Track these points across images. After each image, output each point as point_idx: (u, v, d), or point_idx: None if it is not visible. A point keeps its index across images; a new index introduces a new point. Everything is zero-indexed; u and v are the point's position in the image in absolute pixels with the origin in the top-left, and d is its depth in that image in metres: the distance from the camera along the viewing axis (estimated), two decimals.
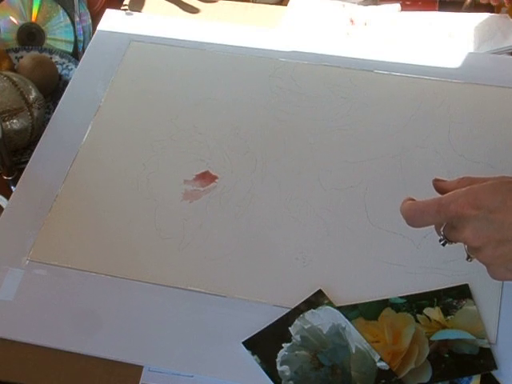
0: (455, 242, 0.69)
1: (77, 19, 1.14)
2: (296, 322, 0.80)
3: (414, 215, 0.69)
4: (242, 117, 0.99)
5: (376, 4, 1.14)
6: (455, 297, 0.80)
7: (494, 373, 0.75)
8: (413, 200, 0.70)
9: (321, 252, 0.86)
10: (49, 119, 1.02)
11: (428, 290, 0.81)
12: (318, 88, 1.01)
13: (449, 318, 0.79)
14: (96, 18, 1.14)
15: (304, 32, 1.10)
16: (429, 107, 0.98)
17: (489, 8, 1.10)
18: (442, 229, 0.70)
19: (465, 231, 0.66)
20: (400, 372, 0.76)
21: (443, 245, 0.70)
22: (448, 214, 0.66)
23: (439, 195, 0.69)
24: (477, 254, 0.68)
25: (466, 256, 0.70)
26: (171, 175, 0.94)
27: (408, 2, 1.14)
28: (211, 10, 1.17)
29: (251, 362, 0.77)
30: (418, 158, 0.93)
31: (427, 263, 0.83)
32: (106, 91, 1.03)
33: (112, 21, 1.12)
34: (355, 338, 0.78)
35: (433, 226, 0.71)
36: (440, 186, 0.72)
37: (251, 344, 0.79)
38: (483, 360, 0.76)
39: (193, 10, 1.17)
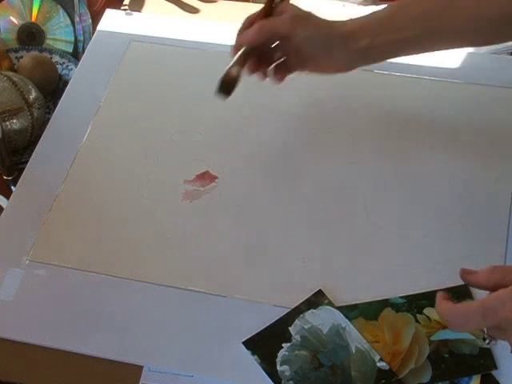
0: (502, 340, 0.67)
1: (77, 19, 1.14)
2: (296, 321, 0.79)
3: (457, 321, 0.66)
4: (241, 117, 0.99)
5: (376, 4, 1.13)
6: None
7: (493, 373, 0.75)
8: (447, 296, 0.67)
9: (321, 252, 0.86)
10: (49, 119, 1.02)
11: (428, 290, 0.81)
12: (318, 88, 1.01)
13: None
14: (96, 17, 1.14)
15: None
16: (429, 107, 0.98)
17: None
18: (485, 329, 0.67)
19: None
20: (400, 372, 0.76)
21: (488, 343, 0.68)
22: (496, 318, 0.64)
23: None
24: None
25: (510, 349, 0.67)
26: (171, 175, 0.94)
27: None
28: (211, 10, 1.17)
29: (251, 361, 0.77)
30: (418, 158, 0.92)
31: (427, 263, 0.83)
32: (106, 91, 1.03)
33: (112, 21, 1.12)
34: (355, 337, 0.78)
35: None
36: (470, 280, 0.69)
37: (251, 344, 0.79)
38: (483, 360, 0.76)
39: (193, 10, 1.17)
